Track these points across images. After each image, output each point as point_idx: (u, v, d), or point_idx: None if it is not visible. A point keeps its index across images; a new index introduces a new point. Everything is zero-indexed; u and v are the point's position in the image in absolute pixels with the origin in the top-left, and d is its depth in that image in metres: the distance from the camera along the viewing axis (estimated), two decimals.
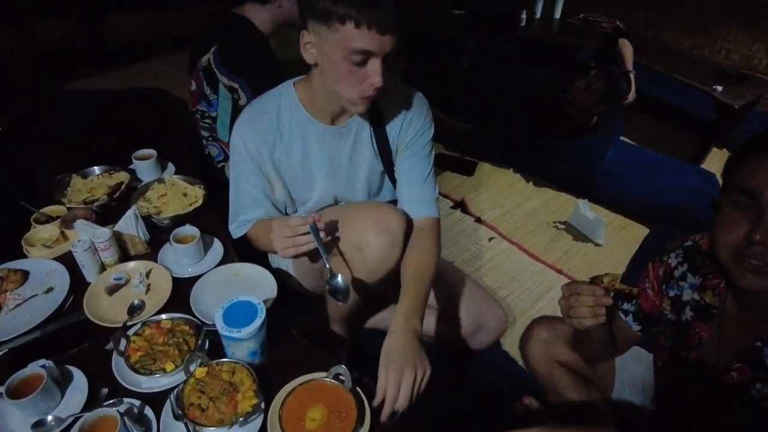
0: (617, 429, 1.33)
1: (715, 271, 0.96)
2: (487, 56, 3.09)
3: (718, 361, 0.98)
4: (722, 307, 0.97)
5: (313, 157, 1.26)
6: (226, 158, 1.78)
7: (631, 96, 2.51)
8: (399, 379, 0.95)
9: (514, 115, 2.67)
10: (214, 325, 1.01)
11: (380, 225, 1.20)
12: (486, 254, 2.09)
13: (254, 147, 1.21)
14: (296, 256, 1.13)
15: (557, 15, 3.49)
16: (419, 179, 1.31)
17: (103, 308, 1.16)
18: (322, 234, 1.10)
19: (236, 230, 1.32)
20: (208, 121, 1.77)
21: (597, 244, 2.20)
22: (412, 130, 1.29)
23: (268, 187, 1.29)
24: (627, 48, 2.61)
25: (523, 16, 3.33)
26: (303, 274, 1.43)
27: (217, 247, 1.35)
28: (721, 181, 0.87)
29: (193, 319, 1.12)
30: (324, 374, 0.98)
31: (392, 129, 1.28)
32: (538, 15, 3.50)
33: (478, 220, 2.28)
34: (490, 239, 2.18)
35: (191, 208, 1.45)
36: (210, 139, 1.81)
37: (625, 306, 1.19)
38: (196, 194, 1.52)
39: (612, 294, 0.93)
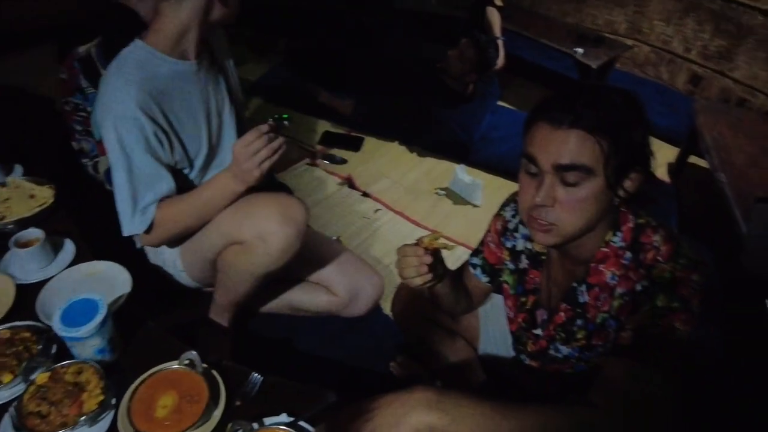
0: (486, 378, 1.46)
1: None
2: (367, 31, 3.12)
3: (549, 304, 1.09)
4: (548, 254, 1.08)
5: (189, 100, 1.26)
6: (99, 155, 1.68)
7: (500, 61, 2.65)
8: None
9: (395, 88, 2.73)
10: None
11: (285, 215, 1.22)
12: (372, 226, 2.16)
13: (143, 111, 1.14)
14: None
15: None
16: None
17: None
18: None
19: (141, 221, 1.22)
20: (82, 114, 1.65)
21: (475, 206, 2.33)
22: (233, 74, 1.41)
23: (171, 158, 1.24)
24: (494, 16, 2.74)
25: None
26: (192, 265, 1.42)
27: (69, 248, 1.29)
28: None
29: (37, 324, 1.07)
30: (176, 362, 0.99)
31: (226, 68, 1.39)
32: None
33: (365, 194, 2.34)
34: (376, 211, 2.25)
35: (38, 210, 1.37)
36: (83, 133, 1.70)
37: (473, 260, 1.28)
38: (44, 195, 1.43)
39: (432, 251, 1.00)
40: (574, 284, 1.00)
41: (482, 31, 2.67)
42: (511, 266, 1.17)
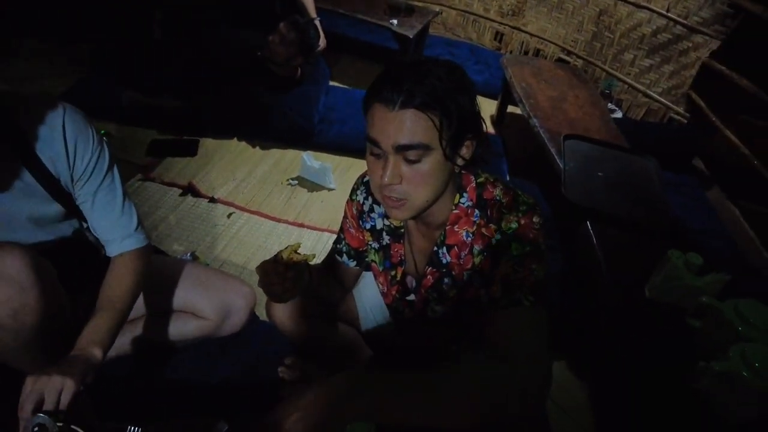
0: (373, 353, 1.50)
1: None
2: (181, 25, 2.87)
3: (417, 271, 1.15)
4: (406, 226, 1.13)
5: None
6: None
7: (322, 42, 2.64)
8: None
9: (221, 83, 2.58)
10: None
11: None
12: (228, 232, 2.05)
13: None
14: None
15: None
16: (117, 210, 1.20)
17: None
18: None
19: None
20: None
21: (330, 189, 2.33)
22: (81, 154, 1.11)
23: None
24: None
25: None
26: None
27: None
28: None
29: None
30: None
31: (47, 151, 1.07)
32: None
33: (212, 200, 2.19)
34: (229, 215, 2.13)
35: None
36: None
37: (337, 247, 1.30)
38: None
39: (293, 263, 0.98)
40: (435, 248, 1.06)
41: (298, 13, 2.62)
42: (374, 245, 1.20)
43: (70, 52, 3.06)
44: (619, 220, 1.72)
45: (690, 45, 2.96)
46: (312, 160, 2.33)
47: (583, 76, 2.91)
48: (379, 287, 1.28)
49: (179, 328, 1.49)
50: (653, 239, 1.68)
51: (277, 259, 0.97)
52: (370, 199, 1.17)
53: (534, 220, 0.96)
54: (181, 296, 1.48)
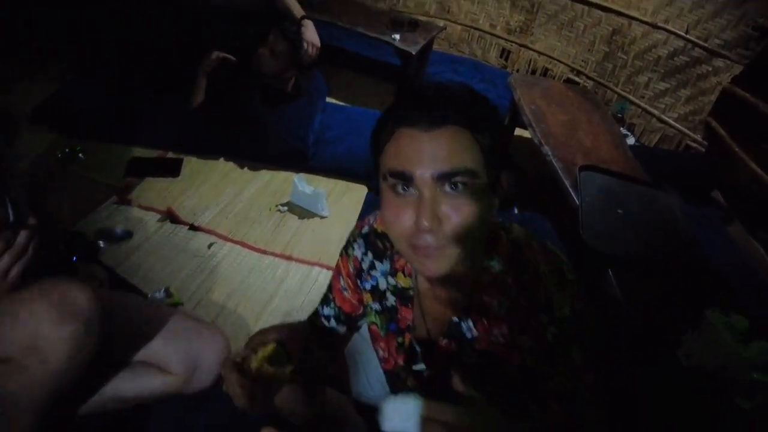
0: (365, 423, 1.30)
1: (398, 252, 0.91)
2: (160, 32, 2.70)
3: (429, 338, 0.95)
4: (416, 286, 0.93)
5: None
6: None
7: (316, 43, 2.40)
8: None
9: (209, 96, 2.40)
10: None
11: (61, 310, 0.92)
12: (207, 265, 1.85)
13: None
14: None
15: None
16: None
17: None
18: None
19: None
20: None
21: (322, 217, 2.14)
22: None
23: None
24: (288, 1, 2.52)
25: None
26: None
27: None
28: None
29: None
30: None
31: None
32: None
33: (193, 227, 1.99)
34: (210, 245, 1.93)
35: None
36: None
37: (325, 311, 1.11)
38: None
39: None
40: (456, 318, 0.86)
41: (284, 18, 2.43)
42: (375, 307, 1.00)
43: (43, 60, 2.87)
44: (646, 269, 1.52)
45: (710, 69, 2.79)
46: (304, 185, 2.14)
47: (596, 98, 2.74)
48: (378, 352, 1.09)
49: (142, 384, 1.30)
50: (686, 292, 1.48)
51: (243, 367, 0.78)
52: (370, 254, 0.97)
53: (584, 303, 0.79)
54: (145, 345, 1.28)
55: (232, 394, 0.82)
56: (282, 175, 2.37)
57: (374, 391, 1.25)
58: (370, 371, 1.26)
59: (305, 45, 2.30)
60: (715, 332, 1.21)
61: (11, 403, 0.96)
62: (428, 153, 0.67)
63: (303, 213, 2.16)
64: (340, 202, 2.27)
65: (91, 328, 0.96)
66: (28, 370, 0.91)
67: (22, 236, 0.87)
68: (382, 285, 0.97)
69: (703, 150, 2.88)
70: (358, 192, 2.34)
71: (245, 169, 2.38)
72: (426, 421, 0.57)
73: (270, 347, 0.81)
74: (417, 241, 0.71)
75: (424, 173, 0.67)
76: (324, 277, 1.87)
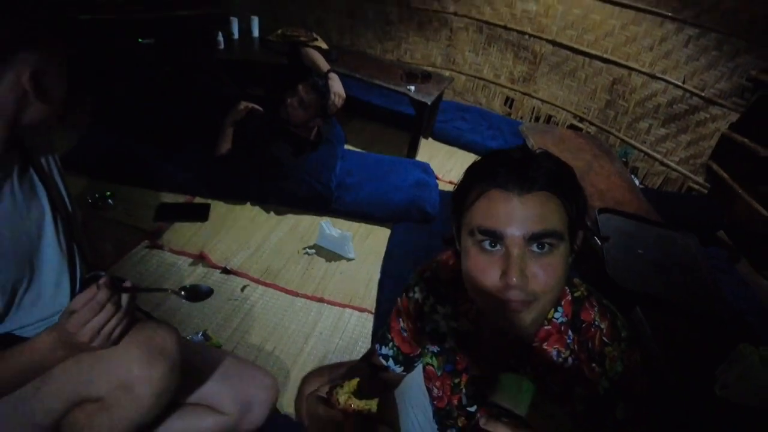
0: None
1: (463, 296, 0.95)
2: (189, 84, 2.83)
3: (484, 381, 0.99)
4: (477, 331, 0.97)
5: None
6: None
7: (342, 94, 2.53)
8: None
9: (235, 144, 2.49)
10: None
11: (151, 352, 0.96)
12: (242, 307, 1.89)
13: None
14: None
15: (255, 33, 3.42)
16: None
17: None
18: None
19: None
20: None
21: (349, 259, 2.20)
22: (61, 173, 1.13)
23: None
24: (313, 54, 2.67)
25: (220, 38, 3.15)
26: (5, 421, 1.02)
27: None
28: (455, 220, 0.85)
29: None
30: None
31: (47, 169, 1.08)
32: (236, 35, 3.37)
33: (225, 270, 2.04)
34: (243, 288, 1.98)
35: None
36: None
37: (383, 351, 1.14)
38: None
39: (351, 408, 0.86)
40: (514, 366, 0.89)
41: (310, 72, 2.57)
42: (433, 349, 1.04)
43: (73, 102, 2.97)
44: (673, 306, 1.59)
45: (708, 116, 2.95)
46: (331, 228, 2.21)
47: (604, 144, 2.88)
48: (432, 390, 1.13)
49: (194, 424, 1.31)
50: (712, 327, 1.55)
51: (331, 401, 0.83)
52: (431, 298, 1.02)
53: (637, 358, 0.82)
54: (197, 387, 1.31)
55: (316, 428, 0.86)
56: (307, 219, 2.44)
57: (422, 429, 1.27)
58: (418, 412, 1.28)
59: (332, 96, 2.42)
60: (749, 365, 1.26)
61: None
62: (520, 215, 0.73)
63: (330, 255, 2.22)
64: (365, 243, 2.33)
65: (176, 369, 1.00)
66: (119, 409, 0.94)
67: (124, 299, 0.93)
68: (443, 328, 1.01)
69: (706, 192, 3.00)
70: (382, 233, 2.41)
71: (271, 213, 2.45)
72: None
73: (355, 381, 0.86)
74: (504, 296, 0.75)
75: (515, 233, 0.73)
76: (356, 320, 1.91)
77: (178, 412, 1.31)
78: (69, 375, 0.96)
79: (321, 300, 1.98)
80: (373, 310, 1.96)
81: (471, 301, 0.94)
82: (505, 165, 0.75)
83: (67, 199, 1.15)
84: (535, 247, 0.74)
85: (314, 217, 2.45)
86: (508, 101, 4.06)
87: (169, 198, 2.43)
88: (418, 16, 4.03)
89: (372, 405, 0.85)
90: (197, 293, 1.13)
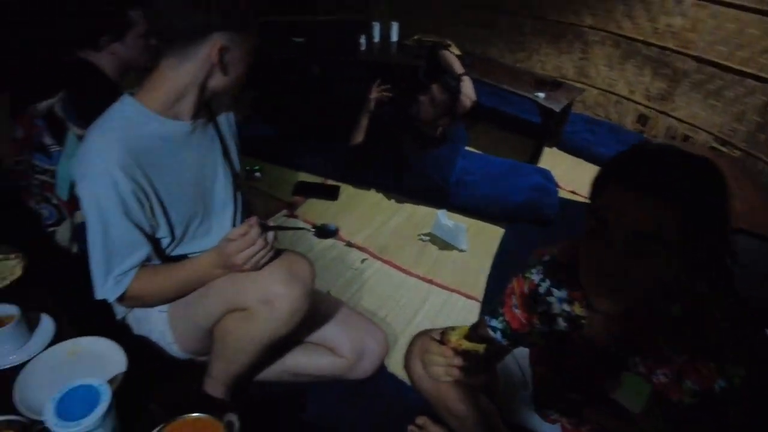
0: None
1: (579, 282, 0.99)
2: (333, 80, 3.14)
3: (592, 368, 1.01)
4: (590, 316, 1.00)
5: (178, 163, 1.17)
6: (59, 222, 1.54)
7: (472, 96, 2.67)
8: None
9: (369, 136, 2.72)
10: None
11: (291, 275, 1.14)
12: (361, 277, 2.08)
13: (123, 170, 1.05)
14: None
15: (394, 38, 3.67)
16: None
17: None
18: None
19: (115, 289, 1.12)
20: (40, 177, 1.52)
21: (461, 250, 2.31)
22: (234, 133, 1.38)
23: (150, 222, 1.14)
24: (449, 57, 2.81)
25: (362, 40, 3.44)
26: (185, 336, 1.29)
27: (47, 325, 1.14)
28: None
29: (19, 419, 0.91)
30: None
31: (224, 128, 1.33)
32: (377, 39, 3.65)
33: (349, 244, 2.26)
34: (363, 261, 2.18)
35: (7, 283, 1.21)
36: (41, 198, 1.55)
37: (492, 323, 1.20)
38: (12, 266, 1.28)
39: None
40: (622, 353, 0.93)
41: (445, 74, 2.72)
42: (543, 329, 1.10)
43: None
44: None
45: None
46: (446, 219, 2.33)
47: (747, 167, 2.67)
48: (535, 372, 1.19)
49: (314, 361, 1.50)
50: None
51: (443, 341, 0.95)
52: (547, 281, 1.07)
53: (763, 365, 0.81)
54: (321, 328, 1.50)
55: (429, 362, 0.97)
56: (423, 210, 2.59)
57: (520, 413, 1.33)
58: (516, 391, 1.34)
59: (463, 98, 2.56)
60: None
61: (239, 341, 1.21)
62: (631, 212, 0.75)
63: (443, 244, 2.34)
64: (478, 239, 2.42)
65: (309, 293, 1.18)
66: (259, 319, 1.14)
67: (270, 237, 1.13)
68: (555, 310, 1.05)
69: None
70: (495, 232, 2.48)
71: (392, 200, 2.64)
72: None
73: (465, 327, 0.97)
74: (600, 279, 0.81)
75: (621, 227, 0.75)
76: (463, 304, 2.01)
77: (302, 348, 1.51)
78: (226, 287, 1.17)
79: (431, 282, 2.11)
80: (481, 299, 2.04)
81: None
82: (635, 161, 0.78)
83: (235, 155, 1.40)
84: (638, 245, 0.75)
85: (429, 208, 2.60)
86: (642, 118, 3.88)
87: (305, 177, 2.73)
88: (553, 28, 4.02)
89: (479, 348, 0.94)
90: (325, 231, 1.33)
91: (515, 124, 3.61)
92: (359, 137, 2.70)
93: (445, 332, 0.99)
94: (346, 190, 2.67)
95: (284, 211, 2.43)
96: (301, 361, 1.50)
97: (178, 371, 1.38)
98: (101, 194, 1.05)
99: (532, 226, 2.50)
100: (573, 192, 2.97)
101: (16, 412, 0.94)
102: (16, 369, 1.03)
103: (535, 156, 3.17)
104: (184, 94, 1.11)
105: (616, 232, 0.77)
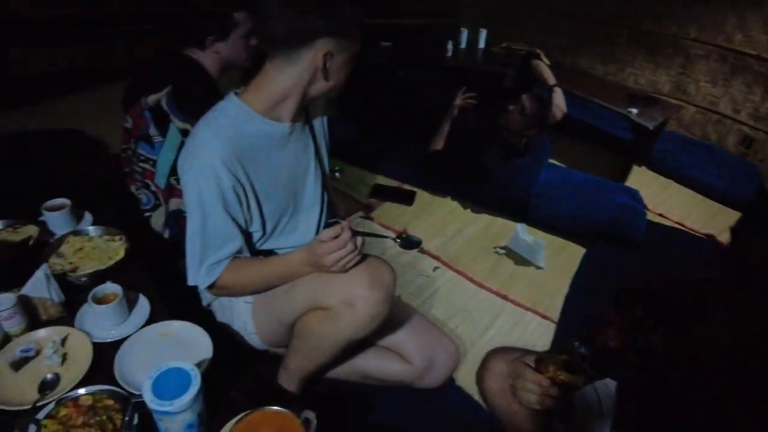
0: None
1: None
2: (417, 85, 3.14)
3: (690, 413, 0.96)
4: (696, 360, 0.95)
5: (275, 163, 1.22)
6: (155, 207, 1.65)
7: (564, 108, 2.57)
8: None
9: (449, 142, 2.70)
10: (142, 396, 0.90)
11: (374, 279, 1.17)
12: (432, 285, 2.06)
13: (226, 166, 1.11)
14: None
15: (481, 45, 3.62)
16: None
17: (7, 388, 1.00)
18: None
19: (207, 277, 1.19)
20: (143, 165, 1.64)
21: (538, 267, 2.23)
22: (326, 135, 1.42)
23: (245, 216, 1.20)
24: (542, 67, 2.72)
25: (449, 46, 3.42)
26: (265, 328, 1.34)
27: (143, 305, 1.22)
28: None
29: (118, 390, 0.98)
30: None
31: (317, 130, 1.38)
32: (464, 45, 3.61)
33: (422, 250, 2.25)
34: (435, 269, 2.16)
35: (112, 263, 1.31)
36: (141, 185, 1.67)
37: (583, 350, 1.16)
38: (116, 247, 1.38)
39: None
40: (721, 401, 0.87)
41: (535, 84, 2.64)
42: (639, 365, 1.04)
43: None
44: None
45: None
46: (526, 233, 2.26)
47: None
48: (624, 405, 1.12)
49: (384, 366, 1.51)
50: None
51: (540, 369, 0.91)
52: (652, 316, 1.02)
53: None
54: (393, 333, 1.50)
55: (522, 388, 0.94)
56: (500, 222, 2.53)
57: (591, 427, 1.27)
58: (592, 421, 1.28)
59: (554, 109, 2.48)
60: None
61: (319, 339, 1.24)
62: None
63: (519, 260, 2.27)
64: (557, 256, 2.33)
65: (389, 299, 1.19)
66: (341, 319, 1.16)
67: (358, 241, 1.15)
68: (657, 347, 0.99)
69: None
70: (575, 251, 2.37)
71: (468, 210, 2.60)
72: None
73: (561, 357, 0.93)
74: (733, 327, 0.78)
75: None
76: (537, 324, 1.94)
77: (373, 351, 1.52)
78: (310, 285, 1.20)
79: (505, 297, 2.05)
80: (557, 321, 1.96)
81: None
82: None
83: (325, 156, 1.43)
84: None
85: (506, 221, 2.53)
86: (746, 140, 3.57)
87: (382, 180, 2.76)
88: (650, 40, 3.79)
89: (578, 381, 0.91)
90: (409, 243, 1.33)
91: (603, 139, 3.43)
92: (439, 143, 2.68)
93: (540, 360, 0.97)
94: (422, 196, 2.66)
95: (360, 213, 2.46)
96: (371, 364, 1.51)
97: (255, 361, 1.43)
98: (204, 187, 1.11)
99: (615, 248, 2.37)
100: (661, 215, 2.79)
101: (115, 384, 1.01)
102: (115, 344, 1.11)
103: (623, 174, 3.01)
104: (286, 97, 1.15)
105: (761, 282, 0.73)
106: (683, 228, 2.68)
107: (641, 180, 3.11)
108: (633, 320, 1.04)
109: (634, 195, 2.69)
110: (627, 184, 2.95)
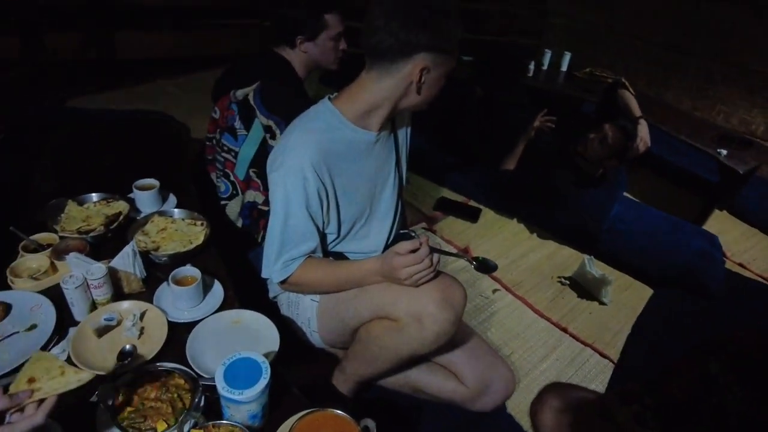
0: None
1: None
2: (495, 102, 3.10)
3: None
4: None
5: (359, 170, 1.25)
6: (232, 197, 1.72)
7: (648, 142, 2.46)
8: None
9: (522, 164, 2.65)
10: (210, 379, 0.93)
11: (445, 299, 1.16)
12: (490, 307, 2.02)
13: (314, 169, 1.14)
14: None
15: (564, 68, 3.54)
16: None
17: (90, 351, 1.07)
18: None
19: (281, 272, 1.22)
20: (226, 155, 1.72)
21: (602, 303, 2.14)
22: (408, 146, 1.44)
23: (324, 218, 1.23)
24: (629, 97, 2.61)
25: (531, 66, 3.36)
26: (328, 328, 1.36)
27: (217, 291, 1.27)
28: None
29: (188, 371, 1.03)
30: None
31: (401, 140, 1.39)
32: (546, 66, 3.54)
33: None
34: (495, 291, 2.12)
35: (192, 246, 1.37)
36: (221, 174, 1.75)
37: (646, 400, 1.12)
38: (197, 231, 1.45)
39: None
40: None
41: (618, 114, 2.54)
42: (711, 422, 0.99)
43: None
44: None
45: None
46: (593, 267, 2.17)
47: None
48: None
49: (436, 383, 1.49)
50: None
51: (610, 415, 0.88)
52: (729, 373, 0.96)
53: None
54: (450, 352, 1.48)
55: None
56: (566, 251, 2.45)
57: None
58: None
59: (638, 142, 2.38)
60: None
61: (382, 348, 1.24)
62: None
63: (583, 293, 2.19)
64: (622, 294, 2.23)
65: (457, 320, 1.18)
66: (407, 333, 1.16)
67: (435, 258, 1.15)
68: (730, 408, 0.94)
69: None
70: (642, 290, 2.26)
71: (534, 234, 2.54)
72: None
73: (629, 410, 0.89)
74: None
75: None
76: (595, 362, 1.86)
77: (427, 366, 1.51)
78: (380, 294, 1.21)
79: (564, 330, 1.98)
80: (616, 361, 1.87)
81: None
82: None
83: (404, 166, 1.44)
84: None
85: (572, 250, 2.45)
86: None
87: (448, 194, 2.74)
88: (749, 77, 3.57)
89: None
90: (486, 266, 1.30)
91: (685, 178, 3.24)
92: (512, 163, 2.64)
93: (612, 406, 0.93)
94: (487, 214, 2.62)
95: (422, 224, 2.45)
96: (423, 379, 1.50)
97: (311, 357, 1.46)
98: (290, 186, 1.14)
99: (687, 295, 2.24)
100: (741, 265, 2.60)
101: (186, 364, 1.05)
102: (188, 326, 1.16)
103: (702, 217, 2.84)
104: (377, 107, 1.17)
105: None
106: (766, 282, 2.49)
107: (721, 225, 2.93)
108: (705, 376, 0.98)
109: (712, 240, 2.53)
110: (705, 227, 2.79)
